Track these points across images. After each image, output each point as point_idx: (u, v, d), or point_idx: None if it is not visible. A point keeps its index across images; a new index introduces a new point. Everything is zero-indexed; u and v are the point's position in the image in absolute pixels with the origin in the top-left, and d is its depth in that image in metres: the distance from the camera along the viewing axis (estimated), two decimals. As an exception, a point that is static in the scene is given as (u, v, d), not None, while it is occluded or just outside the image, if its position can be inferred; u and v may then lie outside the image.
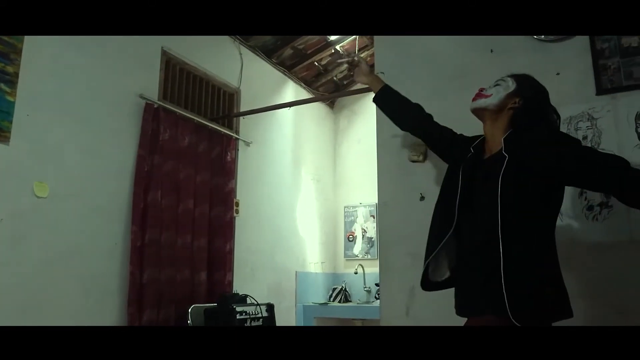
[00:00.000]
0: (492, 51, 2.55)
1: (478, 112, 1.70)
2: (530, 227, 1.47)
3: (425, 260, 1.69)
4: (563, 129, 2.28)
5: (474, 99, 1.71)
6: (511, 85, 1.64)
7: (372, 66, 3.84)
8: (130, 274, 3.04)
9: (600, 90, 2.26)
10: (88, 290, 2.84)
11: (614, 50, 2.27)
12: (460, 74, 2.58)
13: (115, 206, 3.08)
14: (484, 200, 1.54)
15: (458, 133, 1.95)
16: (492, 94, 1.65)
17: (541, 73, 2.33)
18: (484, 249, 1.48)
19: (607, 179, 1.43)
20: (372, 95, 3.00)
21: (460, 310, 1.63)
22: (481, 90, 1.71)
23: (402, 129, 2.15)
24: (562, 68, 2.36)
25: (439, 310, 2.44)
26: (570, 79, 2.33)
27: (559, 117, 1.68)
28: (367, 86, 3.61)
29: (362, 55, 5.24)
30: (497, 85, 1.67)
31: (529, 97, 1.62)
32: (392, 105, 2.11)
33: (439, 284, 1.73)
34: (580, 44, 2.35)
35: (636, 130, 2.18)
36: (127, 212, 3.12)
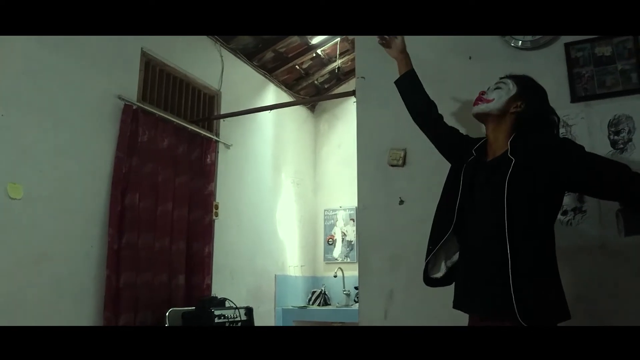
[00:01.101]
0: (470, 58, 2.59)
1: (480, 117, 1.71)
2: (535, 229, 1.48)
3: (426, 257, 1.73)
4: (539, 135, 2.34)
5: (475, 104, 1.71)
6: (512, 88, 1.64)
7: (352, 71, 3.86)
8: (107, 277, 2.99)
9: (575, 98, 2.32)
10: (62, 294, 2.79)
11: (588, 59, 2.33)
12: (439, 80, 2.60)
13: (91, 208, 3.03)
14: (487, 201, 1.55)
15: (464, 134, 1.96)
16: (494, 99, 1.65)
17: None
18: (488, 248, 1.51)
19: (613, 187, 1.46)
20: (352, 99, 3.03)
21: (458, 305, 1.65)
22: (482, 94, 1.71)
23: (413, 118, 2.08)
24: (539, 76, 2.36)
25: (417, 313, 2.48)
26: (546, 87, 2.36)
27: (558, 118, 1.69)
28: (348, 90, 3.65)
29: (342, 60, 5.30)
30: (498, 88, 1.67)
31: (531, 100, 1.63)
32: (410, 92, 2.04)
33: (439, 280, 1.75)
34: (555, 52, 2.41)
35: (609, 137, 2.24)
36: (104, 214, 3.08)
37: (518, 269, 1.41)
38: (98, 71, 3.17)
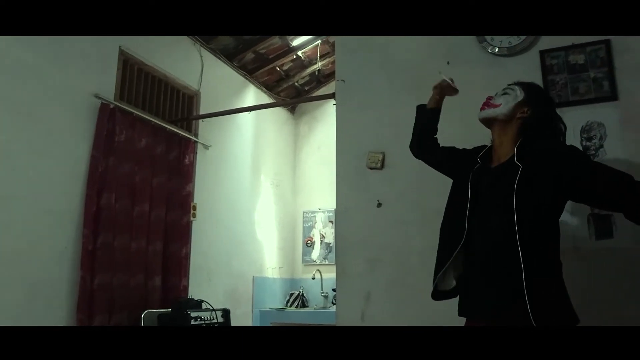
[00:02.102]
0: (448, 63, 2.63)
1: (487, 121, 1.72)
2: (543, 233, 1.50)
3: (436, 273, 1.68)
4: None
5: (482, 108, 1.72)
6: (519, 94, 1.66)
7: (333, 73, 3.88)
8: (81, 278, 2.94)
9: (549, 105, 2.37)
10: (34, 295, 2.73)
11: (562, 66, 2.39)
12: (417, 85, 2.64)
13: (66, 208, 2.97)
14: (494, 206, 1.56)
15: (460, 148, 1.92)
16: (501, 104, 1.66)
17: (494, 86, 2.42)
18: (499, 253, 1.51)
19: (617, 197, 1.47)
20: (332, 102, 3.04)
21: (466, 312, 1.63)
22: (489, 99, 1.72)
23: (414, 145, 2.02)
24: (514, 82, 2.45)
25: (394, 315, 2.50)
26: (522, 93, 2.43)
27: (565, 126, 1.71)
28: (328, 93, 3.66)
29: (323, 62, 5.32)
30: (506, 94, 1.69)
31: (538, 107, 1.65)
32: (427, 123, 1.97)
33: (447, 293, 1.72)
34: (531, 59, 2.46)
35: (581, 143, 2.29)
36: (78, 214, 3.02)
37: (530, 272, 1.42)
38: (74, 69, 3.11)
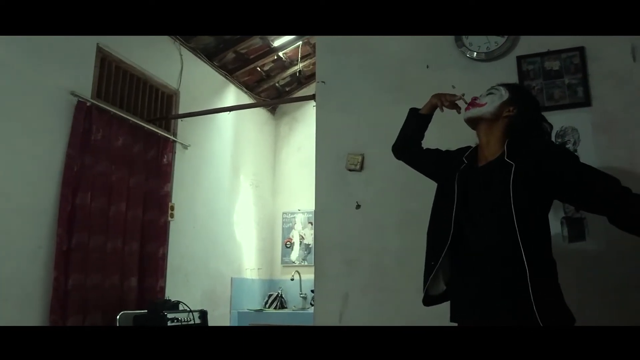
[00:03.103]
0: (427, 67, 2.66)
1: (473, 121, 1.71)
2: (540, 233, 1.51)
3: (426, 278, 1.66)
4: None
5: (467, 108, 1.72)
6: (505, 94, 1.67)
7: (313, 75, 3.89)
8: (54, 279, 2.88)
9: (525, 109, 2.41)
10: (6, 296, 2.66)
11: (538, 72, 2.43)
12: (396, 87, 2.67)
13: (40, 207, 2.91)
14: (488, 207, 1.55)
15: (444, 150, 1.91)
16: (487, 103, 1.67)
17: (472, 90, 2.46)
18: (497, 254, 1.50)
19: (602, 199, 1.48)
20: (313, 103, 3.05)
21: (459, 317, 1.60)
22: (474, 99, 1.73)
23: (398, 147, 2.01)
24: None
25: (372, 316, 2.51)
26: (499, 97, 2.47)
27: (551, 126, 1.72)
28: (309, 94, 3.66)
29: (304, 63, 5.32)
30: (491, 94, 1.70)
31: (523, 106, 1.66)
32: (416, 127, 1.94)
33: (437, 298, 1.71)
34: (508, 64, 2.51)
35: (556, 148, 2.33)
36: (53, 214, 2.96)
37: (532, 272, 1.41)
38: (50, 65, 3.06)
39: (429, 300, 1.70)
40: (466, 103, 1.76)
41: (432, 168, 1.90)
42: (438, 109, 1.85)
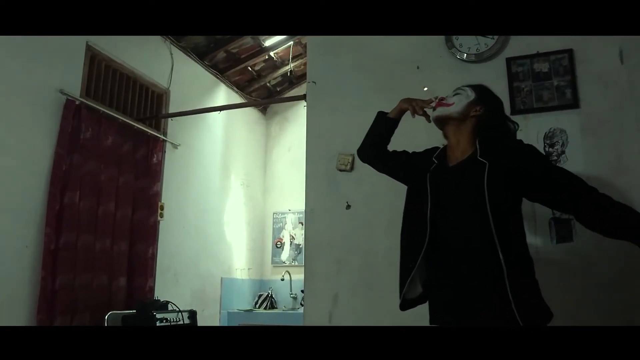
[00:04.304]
0: (418, 68, 2.67)
1: (441, 120, 1.72)
2: (515, 231, 1.53)
3: (403, 282, 1.64)
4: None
5: (435, 108, 1.73)
6: (471, 94, 1.69)
7: (304, 75, 3.89)
8: (42, 279, 2.86)
9: (514, 110, 2.43)
10: (-8, 296, 2.64)
11: (527, 74, 2.45)
12: (387, 88, 2.67)
13: (27, 207, 2.88)
14: (463, 206, 1.55)
15: (411, 152, 1.91)
16: (454, 102, 1.69)
17: (462, 91, 2.48)
18: (474, 254, 1.50)
19: (568, 198, 1.51)
20: (303, 103, 3.05)
21: (440, 319, 1.59)
22: (441, 99, 1.74)
23: (364, 149, 1.99)
24: (481, 88, 2.51)
25: (362, 317, 2.52)
26: (488, 99, 2.49)
27: (515, 125, 1.75)
28: (300, 94, 3.66)
29: (295, 64, 5.32)
30: (457, 94, 1.72)
31: (490, 105, 1.69)
32: (384, 130, 1.92)
33: (414, 301, 1.69)
34: (498, 66, 2.52)
35: (544, 149, 2.36)
36: (41, 213, 2.94)
37: (511, 271, 1.42)
38: (39, 63, 3.03)
39: (406, 304, 1.69)
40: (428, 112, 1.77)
41: (400, 171, 1.89)
42: (407, 113, 1.84)
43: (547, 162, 1.60)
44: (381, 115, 1.94)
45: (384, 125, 1.91)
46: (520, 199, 1.60)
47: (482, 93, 1.71)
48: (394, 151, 1.93)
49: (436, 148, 1.79)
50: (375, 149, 1.94)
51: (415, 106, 1.79)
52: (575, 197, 1.49)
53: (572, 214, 1.56)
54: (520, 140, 1.68)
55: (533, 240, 2.27)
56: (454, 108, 1.68)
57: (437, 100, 1.75)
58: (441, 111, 1.71)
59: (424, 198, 1.63)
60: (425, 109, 1.78)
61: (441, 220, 1.59)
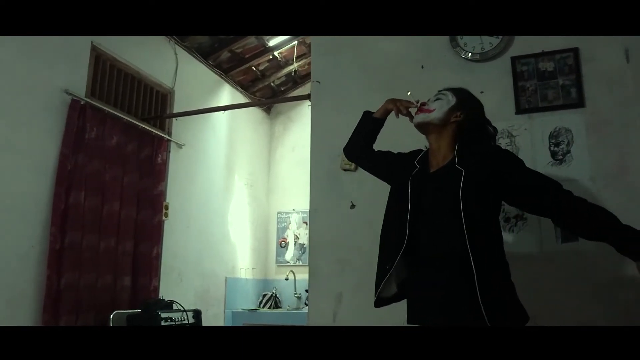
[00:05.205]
0: (422, 67, 2.66)
1: (422, 126, 1.73)
2: (490, 236, 1.54)
3: (379, 280, 1.69)
4: (485, 144, 2.42)
5: (416, 114, 1.74)
6: (452, 99, 1.70)
7: (309, 74, 3.89)
8: (47, 278, 2.87)
9: (519, 110, 2.43)
10: (-2, 296, 2.66)
11: (532, 73, 2.44)
12: (391, 87, 2.65)
13: (33, 206, 2.90)
14: (439, 212, 1.57)
15: (396, 152, 1.93)
16: (435, 109, 1.70)
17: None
18: (448, 258, 1.52)
19: (543, 201, 1.53)
20: (308, 103, 3.05)
21: (416, 319, 1.62)
22: (423, 104, 1.75)
23: (349, 148, 2.02)
24: (486, 87, 2.49)
25: (366, 316, 2.51)
26: (493, 98, 2.47)
27: (495, 129, 1.76)
28: (304, 94, 3.65)
29: (299, 63, 5.32)
30: (439, 99, 1.72)
31: (470, 111, 1.70)
32: (370, 131, 1.95)
33: (389, 299, 1.73)
34: (502, 65, 2.51)
35: (549, 149, 2.35)
36: (46, 213, 2.95)
37: (482, 274, 1.44)
38: (44, 63, 3.04)
39: (381, 302, 1.73)
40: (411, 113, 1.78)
41: (384, 171, 1.92)
42: (392, 113, 1.86)
43: (523, 166, 1.60)
44: (367, 114, 1.97)
45: (369, 125, 1.95)
46: (498, 204, 1.62)
47: (463, 97, 1.72)
48: (379, 151, 1.95)
49: (420, 151, 1.81)
50: (361, 147, 1.97)
51: (399, 106, 1.81)
52: (551, 200, 1.51)
53: (548, 217, 1.57)
54: (498, 146, 1.71)
55: (538, 240, 2.26)
56: (434, 114, 1.69)
57: (419, 104, 1.76)
58: (422, 118, 1.72)
59: (404, 201, 1.66)
60: (409, 109, 1.80)
61: (420, 225, 1.61)
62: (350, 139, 2.01)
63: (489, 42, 2.53)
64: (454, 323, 1.48)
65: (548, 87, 2.40)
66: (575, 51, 2.39)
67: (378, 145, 1.96)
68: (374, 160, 1.95)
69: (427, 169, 1.71)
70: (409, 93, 1.86)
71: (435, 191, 1.62)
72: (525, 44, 2.49)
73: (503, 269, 1.55)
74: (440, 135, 1.69)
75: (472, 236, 1.47)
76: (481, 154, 1.61)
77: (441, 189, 1.60)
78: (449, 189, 1.55)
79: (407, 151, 1.87)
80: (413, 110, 1.78)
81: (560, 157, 2.32)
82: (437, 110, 1.69)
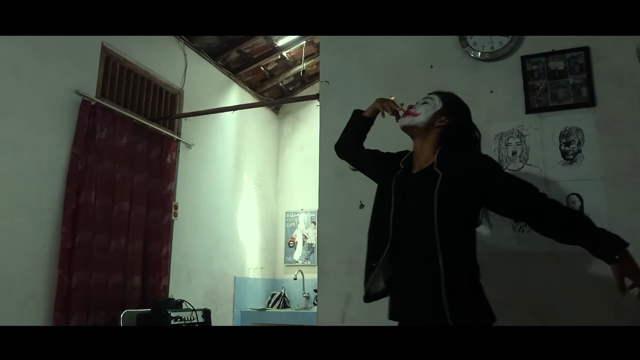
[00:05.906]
0: (431, 67, 2.65)
1: (407, 130, 1.78)
2: (462, 240, 1.57)
3: (367, 276, 1.73)
4: (495, 144, 2.42)
5: (402, 117, 1.78)
6: (438, 103, 1.73)
7: (317, 74, 3.89)
8: (59, 277, 2.90)
9: (529, 109, 2.41)
10: (10, 295, 2.68)
11: (542, 72, 2.42)
12: (400, 87, 2.65)
13: (44, 206, 2.92)
14: (417, 214, 1.61)
15: (384, 151, 1.97)
16: (420, 113, 1.73)
17: (476, 90, 2.46)
18: (423, 260, 1.55)
19: (522, 210, 1.57)
20: (316, 103, 3.05)
21: (394, 316, 1.68)
22: (410, 107, 1.78)
23: (340, 145, 2.08)
24: (496, 86, 2.49)
25: (375, 316, 2.50)
26: (503, 97, 2.47)
27: (480, 134, 1.79)
28: (312, 94, 3.66)
29: (307, 63, 5.32)
30: (425, 103, 1.75)
31: (455, 116, 1.72)
32: (361, 129, 2.02)
33: (377, 295, 1.77)
34: (512, 64, 2.50)
35: (560, 148, 2.33)
36: (57, 212, 2.98)
37: (449, 278, 1.48)
38: (55, 64, 3.07)
39: (370, 297, 1.77)
40: (397, 114, 1.82)
41: (371, 170, 1.97)
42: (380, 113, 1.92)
43: (500, 171, 1.63)
44: (357, 113, 2.04)
45: (359, 123, 2.01)
46: (476, 208, 1.64)
47: (450, 103, 1.74)
48: (369, 150, 2.00)
49: (407, 152, 1.84)
50: (351, 145, 2.03)
51: (386, 106, 1.87)
52: (529, 204, 1.54)
53: (525, 220, 1.61)
54: (478, 151, 1.73)
55: (548, 240, 2.24)
56: (419, 118, 1.72)
57: (406, 108, 1.79)
58: (408, 121, 1.75)
59: (389, 202, 1.70)
60: (396, 110, 1.84)
61: (401, 225, 1.65)
62: (340, 136, 2.08)
63: (498, 41, 2.51)
64: (421, 322, 1.53)
65: (558, 86, 2.38)
66: (585, 50, 2.37)
67: (368, 144, 2.00)
68: (362, 158, 2.01)
69: (410, 170, 1.75)
70: (392, 97, 1.90)
71: (415, 193, 1.65)
72: (535, 43, 2.47)
73: (472, 271, 1.57)
74: (424, 138, 1.73)
75: (443, 238, 1.51)
76: (460, 159, 1.63)
77: (419, 190, 1.64)
78: (427, 192, 1.58)
79: (397, 151, 1.90)
80: (401, 112, 1.81)
81: (571, 156, 2.30)
82: (423, 114, 1.72)
